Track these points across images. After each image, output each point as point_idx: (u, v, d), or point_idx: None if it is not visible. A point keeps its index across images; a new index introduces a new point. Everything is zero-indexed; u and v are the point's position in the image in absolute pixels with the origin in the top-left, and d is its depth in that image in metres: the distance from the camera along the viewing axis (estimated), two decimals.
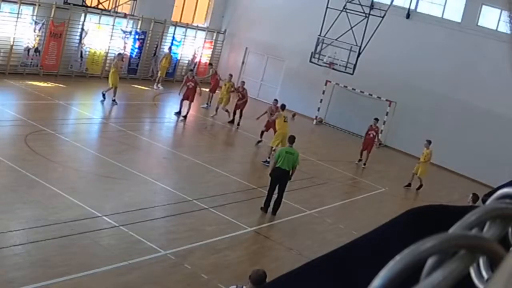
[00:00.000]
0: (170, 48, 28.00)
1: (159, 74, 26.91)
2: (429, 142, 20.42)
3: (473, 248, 0.52)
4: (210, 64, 28.52)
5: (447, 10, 25.28)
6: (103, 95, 21.82)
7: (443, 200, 19.31)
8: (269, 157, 18.18)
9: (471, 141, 23.83)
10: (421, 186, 20.19)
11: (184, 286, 10.18)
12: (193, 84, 22.54)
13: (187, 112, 22.46)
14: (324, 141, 25.17)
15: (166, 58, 27.15)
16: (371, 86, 25.78)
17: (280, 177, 14.08)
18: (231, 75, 24.68)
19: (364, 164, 21.50)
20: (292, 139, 14.75)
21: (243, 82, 24.11)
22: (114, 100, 21.84)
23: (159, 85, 26.62)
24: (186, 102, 22.41)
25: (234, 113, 23.06)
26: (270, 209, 14.26)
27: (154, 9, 26.79)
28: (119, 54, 24.00)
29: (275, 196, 14.26)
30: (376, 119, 22.37)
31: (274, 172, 14.18)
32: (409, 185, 20.22)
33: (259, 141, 20.60)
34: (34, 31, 22.66)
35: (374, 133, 21.96)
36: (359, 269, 0.75)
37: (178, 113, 22.47)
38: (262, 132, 20.44)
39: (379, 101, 26.00)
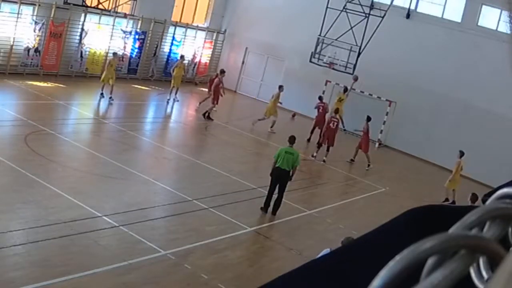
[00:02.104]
0: (182, 56, 25.82)
1: (172, 85, 24.43)
2: (462, 153, 19.74)
3: (473, 248, 0.52)
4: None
5: (447, 10, 25.28)
6: (102, 94, 22.16)
7: (443, 200, 19.32)
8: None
9: (471, 141, 23.80)
10: (453, 202, 19.28)
11: (184, 286, 10.18)
12: (221, 85, 23.34)
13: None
14: None
15: (178, 67, 24.77)
16: (371, 86, 25.78)
17: (280, 177, 14.08)
18: (281, 86, 24.12)
19: (368, 166, 21.34)
20: (292, 140, 14.74)
21: (321, 97, 24.61)
22: (106, 96, 22.10)
23: (175, 96, 24.65)
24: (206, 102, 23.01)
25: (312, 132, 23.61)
26: (270, 209, 14.26)
27: (154, 9, 26.79)
28: (115, 53, 23.62)
29: (275, 196, 14.27)
30: (368, 119, 22.05)
31: (274, 172, 14.19)
32: (453, 202, 19.35)
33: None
34: (34, 31, 22.66)
35: (363, 132, 21.85)
36: (359, 269, 0.75)
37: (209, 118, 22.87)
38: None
39: (379, 101, 26.01)
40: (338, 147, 23.76)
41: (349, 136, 26.06)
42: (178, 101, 24.88)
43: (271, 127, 22.99)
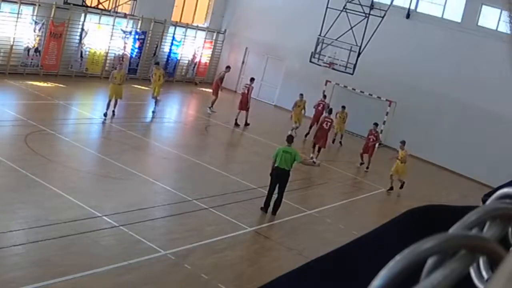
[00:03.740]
0: (157, 63, 24.01)
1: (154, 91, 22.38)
2: (403, 142, 19.28)
3: (473, 248, 0.52)
4: (228, 66, 25.43)
5: (447, 10, 25.28)
6: (113, 112, 19.90)
7: (443, 200, 19.30)
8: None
9: (471, 141, 23.82)
10: (403, 184, 19.19)
11: (184, 286, 10.18)
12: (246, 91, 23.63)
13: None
14: None
15: (154, 74, 22.54)
16: (371, 86, 25.78)
17: (279, 177, 14.09)
18: (301, 94, 23.84)
19: (367, 168, 21.24)
20: (290, 139, 14.74)
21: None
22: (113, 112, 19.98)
23: (154, 107, 22.34)
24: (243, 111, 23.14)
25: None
26: (270, 209, 14.25)
27: (154, 9, 26.79)
28: (120, 64, 22.06)
29: (275, 196, 14.27)
30: (375, 124, 21.97)
31: (273, 171, 14.20)
32: (392, 188, 19.16)
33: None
34: (34, 31, 22.67)
35: (374, 138, 21.57)
36: (359, 269, 0.75)
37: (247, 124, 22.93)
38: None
39: (379, 101, 26.01)
40: (339, 148, 23.79)
41: (352, 137, 26.04)
42: (154, 112, 22.30)
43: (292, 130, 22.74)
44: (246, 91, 23.59)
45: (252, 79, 24.33)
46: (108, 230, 11.37)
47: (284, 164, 14.06)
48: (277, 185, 14.17)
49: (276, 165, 14.11)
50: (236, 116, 22.92)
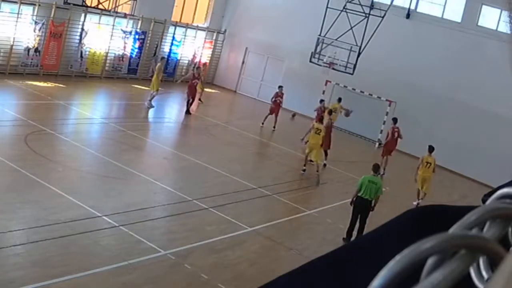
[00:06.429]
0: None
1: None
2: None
3: (473, 248, 0.52)
4: (280, 86, 25.11)
5: (447, 10, 25.29)
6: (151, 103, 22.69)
7: (443, 200, 19.30)
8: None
9: (471, 141, 23.82)
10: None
11: (184, 286, 10.18)
12: (280, 99, 24.25)
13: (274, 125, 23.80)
14: None
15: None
16: (371, 86, 25.78)
17: (362, 207, 13.60)
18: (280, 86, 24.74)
19: (384, 169, 20.40)
20: (376, 168, 14.29)
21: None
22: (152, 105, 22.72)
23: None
24: (271, 116, 23.76)
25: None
26: None
27: (154, 9, 26.80)
28: (163, 58, 25.32)
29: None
30: (394, 120, 22.06)
31: (355, 201, 13.72)
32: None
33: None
34: (34, 31, 22.67)
35: (396, 135, 21.61)
36: (359, 269, 0.75)
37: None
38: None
39: (379, 101, 26.00)
40: (339, 148, 23.77)
41: (351, 137, 26.04)
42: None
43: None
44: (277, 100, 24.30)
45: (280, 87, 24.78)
46: (108, 230, 11.37)
47: (369, 195, 13.63)
48: (359, 215, 13.63)
49: (360, 194, 13.65)
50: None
